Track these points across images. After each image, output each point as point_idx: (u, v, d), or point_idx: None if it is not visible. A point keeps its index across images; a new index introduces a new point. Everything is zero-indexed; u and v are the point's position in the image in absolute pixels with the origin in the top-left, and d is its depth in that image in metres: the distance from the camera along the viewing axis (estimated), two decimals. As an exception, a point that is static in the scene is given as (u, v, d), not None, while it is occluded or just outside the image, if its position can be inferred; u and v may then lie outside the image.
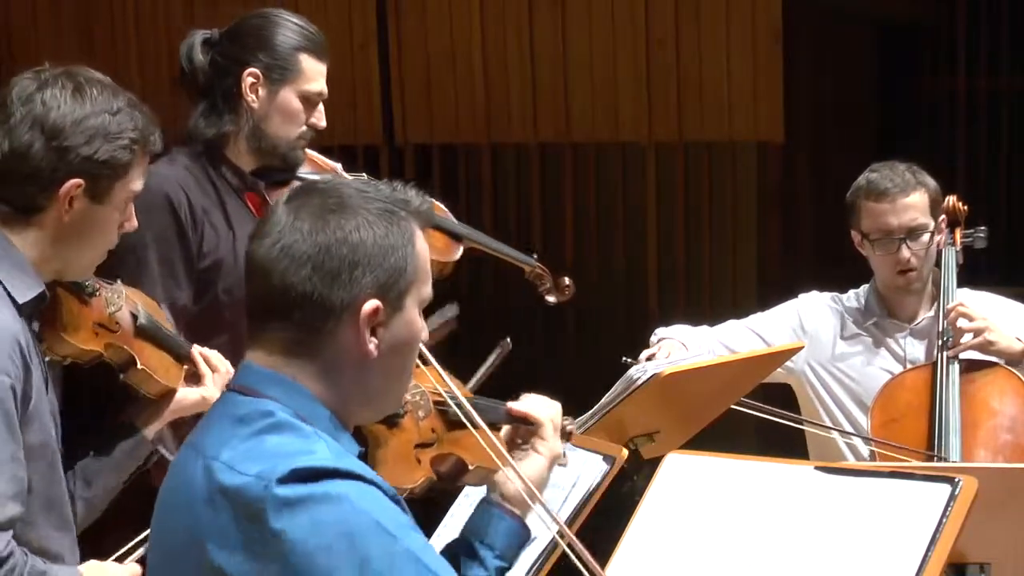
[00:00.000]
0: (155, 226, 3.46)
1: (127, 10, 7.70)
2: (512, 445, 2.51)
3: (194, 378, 3.12)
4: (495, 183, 7.86)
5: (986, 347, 3.91)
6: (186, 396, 3.08)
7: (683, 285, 7.67)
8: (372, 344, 2.07)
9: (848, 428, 4.06)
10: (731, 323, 4.20)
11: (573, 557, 2.39)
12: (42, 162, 2.60)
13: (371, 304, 2.05)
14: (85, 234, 2.67)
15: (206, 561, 1.99)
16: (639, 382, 3.37)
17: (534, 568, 2.71)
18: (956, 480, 2.55)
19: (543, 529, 2.51)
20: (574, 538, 2.42)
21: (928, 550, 2.49)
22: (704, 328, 4.16)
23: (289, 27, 3.56)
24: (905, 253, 3.96)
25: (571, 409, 3.43)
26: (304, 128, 3.57)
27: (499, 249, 4.13)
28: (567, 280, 4.23)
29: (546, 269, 4.24)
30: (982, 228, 4.18)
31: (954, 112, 8.34)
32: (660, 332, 4.08)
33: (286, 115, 3.54)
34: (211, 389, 3.09)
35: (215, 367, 3.12)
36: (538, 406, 2.52)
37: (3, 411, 2.53)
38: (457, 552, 2.37)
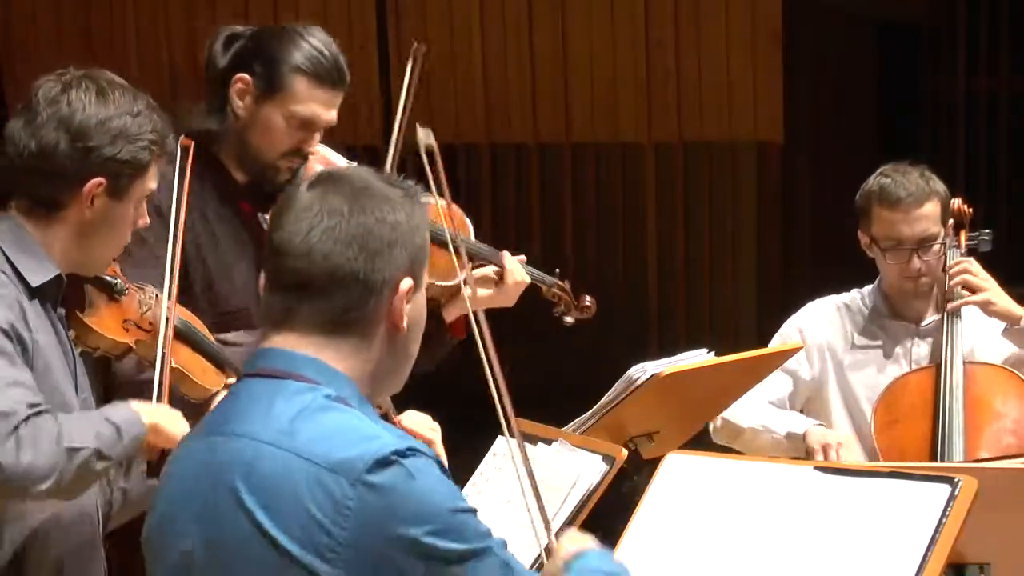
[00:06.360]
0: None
1: (127, 10, 7.70)
2: None
3: None
4: (495, 183, 7.86)
5: (986, 306, 3.92)
6: None
7: (683, 285, 7.67)
8: (405, 320, 2.18)
9: (853, 433, 4.04)
10: None
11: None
12: (67, 161, 2.71)
13: (408, 282, 2.16)
14: (104, 230, 2.78)
15: (268, 538, 2.03)
16: (639, 382, 3.36)
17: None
18: (956, 480, 2.55)
19: (534, 533, 2.50)
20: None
21: (928, 550, 2.49)
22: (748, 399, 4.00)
23: (300, 46, 3.42)
24: (916, 263, 3.94)
25: (571, 409, 3.44)
26: (288, 149, 3.42)
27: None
28: (588, 299, 3.91)
29: (567, 288, 3.92)
30: (987, 231, 4.16)
31: (954, 112, 8.34)
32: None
33: (266, 130, 3.41)
34: None
35: None
36: (419, 423, 2.59)
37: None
38: None
